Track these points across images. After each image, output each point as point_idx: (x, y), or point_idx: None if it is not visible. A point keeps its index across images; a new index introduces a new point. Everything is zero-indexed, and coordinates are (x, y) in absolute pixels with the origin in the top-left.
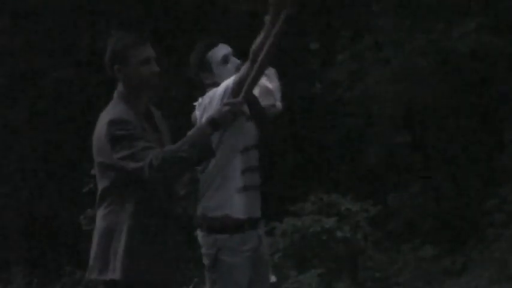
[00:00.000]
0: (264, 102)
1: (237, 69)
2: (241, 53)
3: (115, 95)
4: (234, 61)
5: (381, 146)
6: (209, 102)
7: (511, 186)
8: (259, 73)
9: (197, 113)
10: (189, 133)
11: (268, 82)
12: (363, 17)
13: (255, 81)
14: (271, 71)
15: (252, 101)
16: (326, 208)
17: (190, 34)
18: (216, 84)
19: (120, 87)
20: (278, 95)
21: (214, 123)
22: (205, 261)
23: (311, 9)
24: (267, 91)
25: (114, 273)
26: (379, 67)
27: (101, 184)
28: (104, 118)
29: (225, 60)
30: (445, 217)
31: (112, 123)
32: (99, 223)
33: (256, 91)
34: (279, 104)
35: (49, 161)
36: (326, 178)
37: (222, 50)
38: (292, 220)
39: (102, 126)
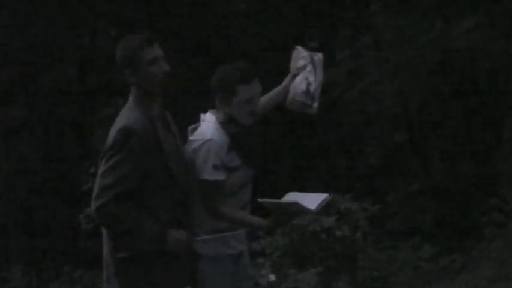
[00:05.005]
0: (300, 98)
1: (252, 114)
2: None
3: (130, 99)
4: (255, 105)
5: (380, 145)
6: (193, 152)
7: (510, 185)
8: None
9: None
10: (151, 227)
11: (313, 76)
12: (362, 16)
13: None
14: (319, 59)
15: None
16: (325, 207)
17: (190, 33)
18: (225, 112)
19: (134, 91)
20: (317, 94)
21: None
22: None
23: (310, 8)
24: (306, 90)
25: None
26: (379, 66)
27: None
28: (117, 123)
29: (250, 101)
30: (444, 216)
31: (121, 130)
32: None
33: (297, 83)
34: (314, 107)
35: (49, 160)
36: (325, 177)
37: (254, 89)
38: None
39: (113, 131)
